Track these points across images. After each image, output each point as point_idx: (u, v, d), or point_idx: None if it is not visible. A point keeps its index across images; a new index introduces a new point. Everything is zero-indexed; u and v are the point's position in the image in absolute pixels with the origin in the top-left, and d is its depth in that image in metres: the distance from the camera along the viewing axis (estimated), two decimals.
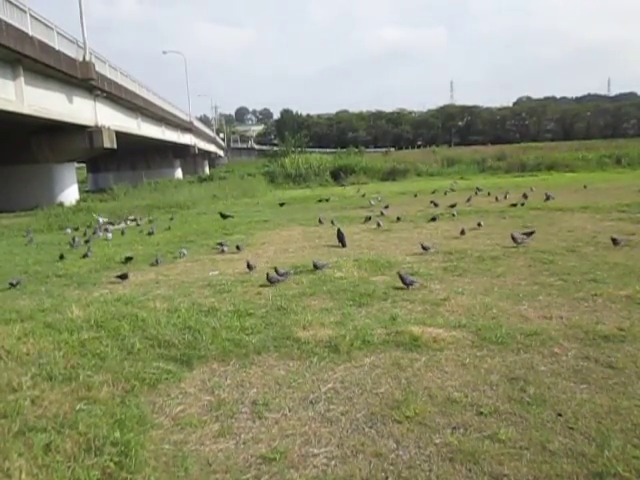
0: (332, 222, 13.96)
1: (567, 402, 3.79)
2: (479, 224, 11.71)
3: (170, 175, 53.66)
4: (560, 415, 3.63)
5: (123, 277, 8.48)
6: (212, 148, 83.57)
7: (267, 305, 6.49)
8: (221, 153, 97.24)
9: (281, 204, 21.28)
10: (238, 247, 10.73)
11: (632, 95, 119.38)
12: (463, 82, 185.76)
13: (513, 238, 9.63)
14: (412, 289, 6.89)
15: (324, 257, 9.39)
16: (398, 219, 13.88)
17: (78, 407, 3.95)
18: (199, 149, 67.69)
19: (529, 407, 3.74)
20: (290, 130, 65.69)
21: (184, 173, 59.90)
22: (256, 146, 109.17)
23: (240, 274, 8.50)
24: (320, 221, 13.93)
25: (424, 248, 9.47)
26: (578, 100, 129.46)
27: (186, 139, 60.51)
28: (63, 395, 4.18)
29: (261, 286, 7.55)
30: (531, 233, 10.01)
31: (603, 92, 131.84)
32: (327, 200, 21.85)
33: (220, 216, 17.05)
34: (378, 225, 12.94)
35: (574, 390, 3.98)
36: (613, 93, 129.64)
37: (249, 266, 8.55)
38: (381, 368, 4.54)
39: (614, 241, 9.09)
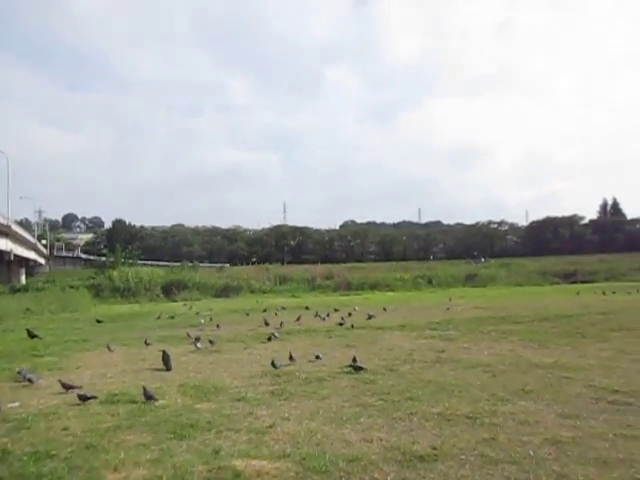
0: (146, 342, 13.24)
1: None
2: (290, 357, 10.58)
3: None
4: None
5: None
6: (32, 255, 76.45)
7: (74, 443, 5.75)
8: (42, 261, 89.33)
9: (99, 321, 19.92)
10: (30, 380, 8.95)
11: (438, 223, 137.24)
12: (296, 204, 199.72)
13: (273, 365, 9.76)
14: (235, 417, 6.67)
15: (147, 382, 8.78)
16: (211, 343, 13.10)
17: None
18: (16, 255, 61.47)
19: None
20: (122, 241, 63.16)
21: None
22: (83, 255, 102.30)
23: (47, 406, 7.50)
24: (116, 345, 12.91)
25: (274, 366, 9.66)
26: (395, 226, 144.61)
27: (1, 244, 54.79)
28: None
29: (69, 419, 6.72)
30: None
31: (415, 220, 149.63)
32: (158, 317, 20.94)
33: (27, 334, 15.25)
34: (197, 347, 12.44)
35: None
36: (423, 221, 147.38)
37: None
38: None
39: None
